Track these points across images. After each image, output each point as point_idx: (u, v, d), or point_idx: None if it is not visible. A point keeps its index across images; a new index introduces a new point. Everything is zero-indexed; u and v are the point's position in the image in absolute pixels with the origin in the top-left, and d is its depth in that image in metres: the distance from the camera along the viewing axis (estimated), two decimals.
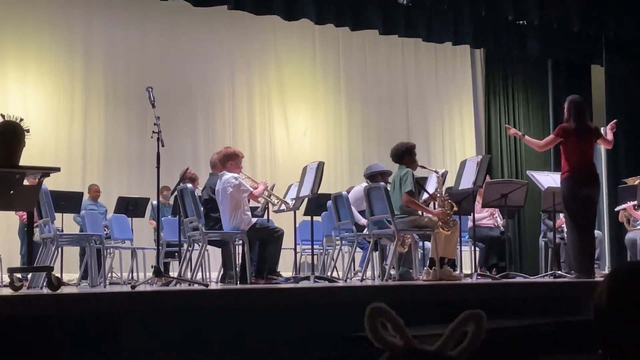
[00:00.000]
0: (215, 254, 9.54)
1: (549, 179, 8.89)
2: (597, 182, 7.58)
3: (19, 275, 5.94)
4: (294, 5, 11.60)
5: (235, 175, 7.89)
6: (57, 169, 5.50)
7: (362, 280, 8.35)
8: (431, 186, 8.40)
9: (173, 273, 8.97)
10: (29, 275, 7.88)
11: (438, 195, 7.87)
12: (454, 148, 15.41)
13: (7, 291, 5.53)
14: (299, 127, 14.42)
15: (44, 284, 6.75)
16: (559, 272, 8.38)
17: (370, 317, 1.98)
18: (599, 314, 1.99)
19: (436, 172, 8.18)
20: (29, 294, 5.64)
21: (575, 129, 7.49)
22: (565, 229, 8.63)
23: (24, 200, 5.38)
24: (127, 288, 7.14)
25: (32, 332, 4.03)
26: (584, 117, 7.59)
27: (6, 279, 7.90)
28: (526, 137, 8.22)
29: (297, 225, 8.47)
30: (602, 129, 13.77)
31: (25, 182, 5.48)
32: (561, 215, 9.25)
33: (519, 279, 8.35)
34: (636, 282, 1.96)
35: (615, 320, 1.95)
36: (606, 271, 10.05)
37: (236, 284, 7.73)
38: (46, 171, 5.43)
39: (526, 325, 5.28)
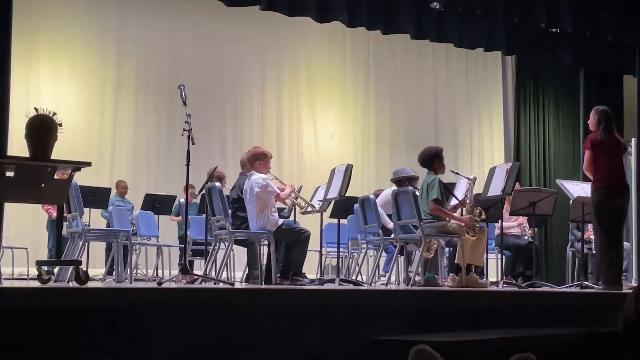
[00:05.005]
0: (240, 254, 9.55)
1: (579, 189, 8.80)
2: (628, 192, 7.56)
3: (46, 268, 5.98)
4: (326, 8, 11.56)
5: (264, 176, 7.89)
6: (89, 164, 5.52)
7: (386, 284, 8.32)
8: (460, 192, 8.35)
9: (198, 271, 8.99)
10: (56, 269, 7.94)
11: (467, 201, 7.83)
12: (482, 154, 15.35)
13: (36, 284, 5.57)
14: (327, 130, 14.42)
15: (72, 277, 6.80)
16: (586, 282, 8.31)
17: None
18: (628, 326, 1.98)
19: (468, 178, 8.12)
20: (58, 287, 5.68)
21: (604, 140, 7.42)
22: (593, 240, 8.54)
23: (54, 194, 5.41)
24: (152, 284, 7.18)
25: (59, 324, 4.05)
26: (611, 128, 7.51)
27: (33, 271, 7.97)
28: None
29: (323, 228, 8.47)
30: (633, 140, 13.75)
31: (55, 177, 5.51)
32: (589, 225, 9.17)
33: (545, 289, 8.28)
34: None
35: None
36: (633, 283, 9.94)
37: (261, 283, 7.74)
38: (77, 165, 5.45)
39: (552, 335, 5.24)
